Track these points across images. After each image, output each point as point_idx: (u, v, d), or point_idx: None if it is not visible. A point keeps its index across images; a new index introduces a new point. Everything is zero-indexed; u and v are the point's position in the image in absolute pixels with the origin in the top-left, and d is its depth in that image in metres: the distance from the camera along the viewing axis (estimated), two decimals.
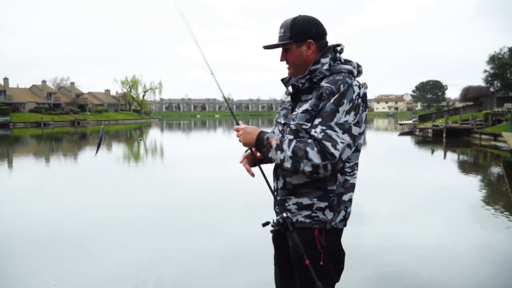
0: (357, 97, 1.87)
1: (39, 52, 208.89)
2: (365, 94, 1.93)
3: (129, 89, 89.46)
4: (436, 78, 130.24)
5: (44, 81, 73.14)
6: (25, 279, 4.41)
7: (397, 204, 8.03)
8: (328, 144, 1.79)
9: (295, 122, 1.94)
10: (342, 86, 1.85)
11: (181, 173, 12.49)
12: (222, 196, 8.78)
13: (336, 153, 1.79)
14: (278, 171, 2.04)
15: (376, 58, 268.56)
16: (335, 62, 1.97)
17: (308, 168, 1.82)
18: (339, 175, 1.94)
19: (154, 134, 38.04)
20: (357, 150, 1.99)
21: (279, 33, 2.02)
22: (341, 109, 1.82)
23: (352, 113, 1.84)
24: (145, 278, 4.35)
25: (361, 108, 1.89)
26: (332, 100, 1.83)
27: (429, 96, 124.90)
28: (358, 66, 2.01)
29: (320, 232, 1.96)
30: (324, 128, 1.81)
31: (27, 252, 5.24)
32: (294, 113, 1.98)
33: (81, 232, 6.08)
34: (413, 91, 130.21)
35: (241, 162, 2.17)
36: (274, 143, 1.90)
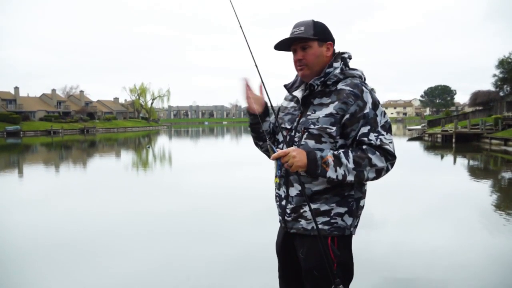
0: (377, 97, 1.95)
1: (49, 61, 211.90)
2: None
3: (137, 97, 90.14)
4: (444, 83, 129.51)
5: (53, 90, 73.96)
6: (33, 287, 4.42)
7: (407, 210, 7.95)
8: (387, 147, 1.85)
9: (317, 126, 1.89)
10: (364, 88, 1.90)
11: (188, 181, 12.50)
12: (228, 203, 8.77)
13: (394, 152, 1.87)
14: (292, 177, 1.96)
15: (384, 63, 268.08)
16: (345, 67, 2.00)
17: (371, 174, 1.84)
18: None
19: (162, 141, 38.22)
20: None
21: (298, 30, 1.94)
22: (378, 112, 1.90)
23: (384, 112, 1.93)
24: (153, 285, 4.34)
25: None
26: (370, 106, 1.88)
27: (437, 101, 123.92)
28: (363, 74, 2.05)
29: (333, 240, 1.91)
30: (376, 134, 1.86)
31: (35, 260, 5.27)
32: (312, 116, 1.92)
33: (88, 240, 6.10)
34: (422, 96, 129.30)
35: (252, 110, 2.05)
36: (330, 160, 1.81)
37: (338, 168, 1.80)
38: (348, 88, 1.88)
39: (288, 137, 2.00)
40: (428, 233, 6.29)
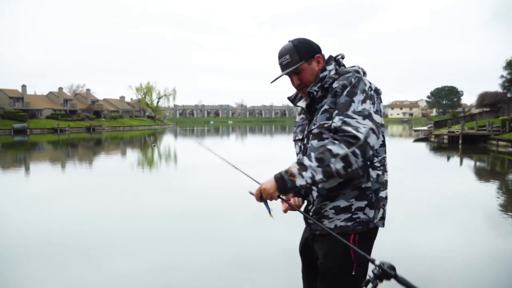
0: (370, 89, 1.88)
1: (56, 60, 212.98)
2: (377, 89, 1.94)
3: (143, 96, 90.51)
4: (451, 84, 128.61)
5: (60, 88, 74.38)
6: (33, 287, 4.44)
7: (412, 211, 7.90)
8: (349, 128, 1.76)
9: (316, 125, 1.93)
10: (353, 79, 1.87)
11: (192, 181, 12.52)
12: (231, 203, 8.76)
13: (360, 135, 1.74)
14: None
15: (390, 64, 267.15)
16: (340, 67, 2.04)
17: (339, 165, 1.74)
18: (371, 170, 1.91)
19: (168, 141, 38.31)
20: (384, 145, 1.98)
21: (284, 60, 2.00)
22: (355, 99, 1.83)
23: (368, 101, 1.84)
24: (154, 285, 4.34)
25: (376, 98, 1.89)
26: (345, 93, 1.85)
27: (444, 102, 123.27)
28: (362, 68, 2.04)
29: (354, 238, 1.91)
30: (342, 117, 1.81)
31: (35, 259, 5.29)
32: (314, 120, 1.98)
33: (89, 240, 6.11)
34: (428, 97, 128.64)
35: (285, 211, 2.11)
36: (294, 170, 1.79)
37: (304, 173, 1.77)
38: (340, 83, 1.91)
39: (302, 146, 2.07)
40: (432, 233, 6.24)
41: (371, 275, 1.52)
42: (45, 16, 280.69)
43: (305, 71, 1.99)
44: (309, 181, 1.77)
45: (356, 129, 1.75)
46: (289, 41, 2.02)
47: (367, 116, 1.80)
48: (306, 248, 2.14)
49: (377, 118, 1.83)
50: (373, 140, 1.77)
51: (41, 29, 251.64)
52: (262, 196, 1.88)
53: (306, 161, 1.78)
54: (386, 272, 1.52)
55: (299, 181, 1.78)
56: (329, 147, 1.75)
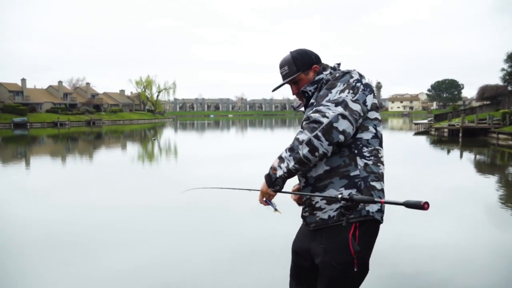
0: (355, 81, 1.93)
1: (56, 54, 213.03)
2: (368, 84, 1.96)
3: (143, 89, 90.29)
4: (452, 77, 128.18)
5: (60, 82, 74.20)
6: (33, 283, 4.46)
7: None
8: (315, 115, 1.84)
9: (304, 118, 1.99)
10: (337, 74, 1.98)
11: (192, 174, 12.52)
12: (231, 197, 8.76)
13: (324, 120, 1.81)
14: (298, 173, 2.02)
15: (390, 57, 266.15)
16: (335, 71, 2.11)
17: (305, 150, 1.82)
18: (358, 158, 1.92)
19: (168, 134, 38.29)
20: (376, 137, 1.98)
21: (283, 71, 2.14)
22: (334, 90, 1.91)
23: (347, 91, 1.89)
24: (154, 280, 4.36)
25: (361, 90, 1.91)
26: (326, 86, 1.96)
27: (445, 95, 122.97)
28: (359, 72, 2.06)
29: (354, 231, 1.88)
30: (317, 107, 1.89)
31: (34, 253, 5.31)
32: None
33: (90, 234, 6.12)
34: (429, 90, 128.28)
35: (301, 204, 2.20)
36: (275, 164, 1.92)
37: (282, 164, 1.89)
38: (327, 78, 2.04)
39: None
40: (432, 227, 6.25)
41: (342, 210, 1.75)
42: (45, 9, 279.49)
43: (303, 81, 2.12)
44: (285, 170, 1.89)
45: (323, 114, 1.82)
46: (289, 52, 2.14)
47: (340, 103, 1.85)
48: (300, 247, 2.14)
49: (354, 106, 1.86)
50: (342, 125, 1.82)
51: (40, 23, 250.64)
52: (266, 200, 2.03)
53: (283, 154, 1.91)
54: (346, 198, 1.72)
55: (279, 172, 1.91)
56: (297, 136, 1.87)
